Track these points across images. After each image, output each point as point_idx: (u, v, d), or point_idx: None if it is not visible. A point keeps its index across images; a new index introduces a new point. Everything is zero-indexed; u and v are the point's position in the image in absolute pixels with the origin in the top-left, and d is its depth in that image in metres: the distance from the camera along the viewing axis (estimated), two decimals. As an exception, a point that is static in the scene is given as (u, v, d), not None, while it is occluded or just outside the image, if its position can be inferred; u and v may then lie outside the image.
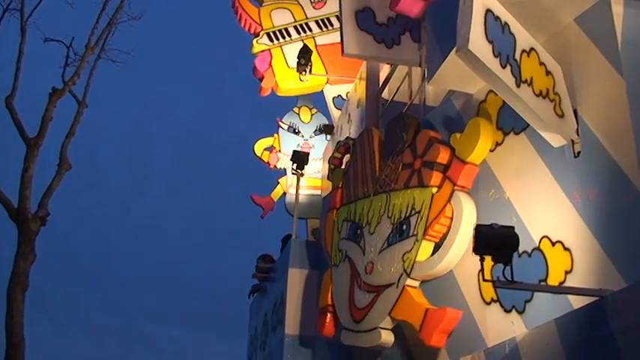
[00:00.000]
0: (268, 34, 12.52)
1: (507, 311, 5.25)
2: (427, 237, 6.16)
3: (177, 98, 59.07)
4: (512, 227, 4.27)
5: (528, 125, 5.40)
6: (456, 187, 5.98)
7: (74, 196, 41.99)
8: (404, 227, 6.48)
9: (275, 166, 13.18)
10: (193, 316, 48.26)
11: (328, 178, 8.41)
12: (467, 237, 5.79)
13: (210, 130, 56.81)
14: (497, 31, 4.82)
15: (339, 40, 12.57)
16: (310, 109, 13.43)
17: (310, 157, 11.79)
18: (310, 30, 12.60)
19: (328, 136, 11.80)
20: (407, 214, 6.48)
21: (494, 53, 4.70)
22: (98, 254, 50.70)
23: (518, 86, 4.81)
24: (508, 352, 4.84)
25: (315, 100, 12.72)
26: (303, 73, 10.57)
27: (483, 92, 6.09)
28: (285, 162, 12.90)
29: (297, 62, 10.41)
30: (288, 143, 13.07)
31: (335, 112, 11.84)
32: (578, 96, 5.09)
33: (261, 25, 12.64)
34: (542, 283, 4.95)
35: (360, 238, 7.26)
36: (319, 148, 12.51)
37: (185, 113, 58.73)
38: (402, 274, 6.40)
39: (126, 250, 51.58)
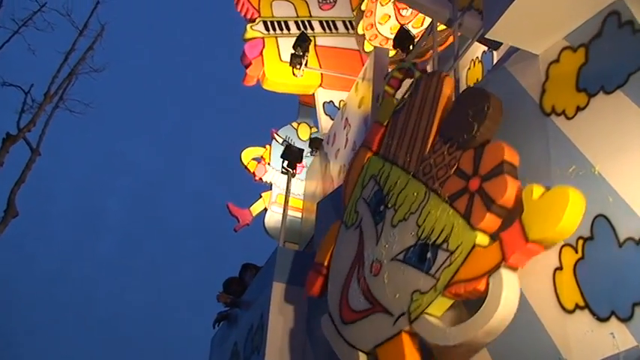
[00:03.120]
0: (265, 22, 11.30)
1: (603, 320, 3.80)
2: (447, 293, 4.60)
3: (135, 152, 57.93)
4: None
5: (626, 81, 4.11)
6: (503, 263, 4.30)
7: (21, 244, 40.27)
8: (428, 255, 4.85)
9: (260, 179, 11.74)
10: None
11: (377, 100, 6.63)
12: (495, 331, 4.29)
13: (166, 186, 55.37)
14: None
15: (341, 45, 11.75)
16: (310, 127, 12.04)
17: (297, 176, 10.44)
18: (312, 28, 11.39)
19: (315, 152, 10.31)
20: (437, 241, 4.82)
21: None
22: (41, 305, 48.26)
23: None
24: (624, 372, 3.36)
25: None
26: (298, 67, 9.08)
27: (555, 51, 4.78)
28: (272, 176, 11.57)
29: (292, 53, 8.98)
30: (279, 157, 11.78)
31: (324, 118, 10.58)
32: None
33: (259, 12, 11.45)
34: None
35: (380, 219, 5.58)
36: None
37: (141, 168, 57.49)
38: (403, 314, 4.91)
39: (70, 302, 49.14)
